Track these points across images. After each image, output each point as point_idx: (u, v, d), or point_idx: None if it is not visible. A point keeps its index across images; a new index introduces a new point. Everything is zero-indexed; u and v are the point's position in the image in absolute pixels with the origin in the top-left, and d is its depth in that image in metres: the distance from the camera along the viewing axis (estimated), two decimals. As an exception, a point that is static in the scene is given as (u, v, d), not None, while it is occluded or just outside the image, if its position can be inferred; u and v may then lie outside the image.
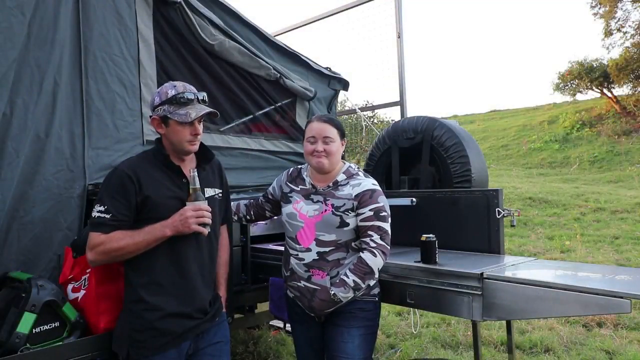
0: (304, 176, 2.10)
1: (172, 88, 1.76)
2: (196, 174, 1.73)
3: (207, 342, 1.84)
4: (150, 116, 1.81)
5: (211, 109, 1.79)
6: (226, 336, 1.94)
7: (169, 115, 1.73)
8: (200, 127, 1.79)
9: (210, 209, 1.75)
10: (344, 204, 1.97)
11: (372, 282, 2.01)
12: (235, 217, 2.32)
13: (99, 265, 1.76)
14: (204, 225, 1.71)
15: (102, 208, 1.67)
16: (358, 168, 2.13)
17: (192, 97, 1.76)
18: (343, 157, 2.16)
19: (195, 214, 1.68)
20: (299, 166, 2.20)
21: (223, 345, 1.90)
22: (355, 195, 1.98)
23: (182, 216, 1.67)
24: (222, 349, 1.89)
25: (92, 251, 1.66)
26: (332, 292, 1.89)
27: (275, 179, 2.24)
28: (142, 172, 1.72)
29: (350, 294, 1.91)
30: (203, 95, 1.81)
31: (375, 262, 1.91)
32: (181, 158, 1.82)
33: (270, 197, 2.22)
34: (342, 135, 2.08)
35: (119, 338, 1.76)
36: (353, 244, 1.99)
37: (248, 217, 2.31)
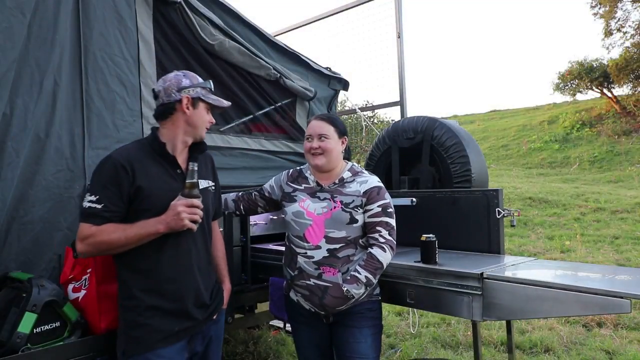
0: (307, 175, 2.11)
1: (194, 77, 1.83)
2: (196, 168, 1.68)
3: (204, 343, 1.85)
4: (181, 92, 1.75)
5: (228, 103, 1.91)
6: (219, 336, 1.95)
7: (203, 98, 1.78)
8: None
9: (203, 206, 1.72)
10: (353, 201, 1.98)
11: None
12: (225, 213, 2.29)
13: (90, 257, 1.73)
14: (194, 222, 1.67)
15: (93, 198, 1.60)
16: (360, 166, 2.14)
17: (209, 86, 1.85)
18: (349, 158, 2.17)
19: (188, 210, 1.63)
20: (299, 167, 2.20)
21: (216, 346, 1.92)
22: (363, 192, 1.99)
23: (174, 211, 1.62)
24: (215, 350, 1.91)
25: (82, 243, 1.61)
26: (345, 289, 1.88)
27: (272, 178, 2.23)
28: (136, 162, 1.68)
29: (363, 290, 1.91)
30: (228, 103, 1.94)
31: (386, 257, 1.94)
32: (184, 143, 1.81)
33: (266, 195, 2.20)
34: (342, 133, 2.08)
35: (119, 335, 1.76)
36: (360, 240, 2.00)
37: (237, 212, 2.28)
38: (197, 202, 1.67)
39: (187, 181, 1.67)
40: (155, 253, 1.69)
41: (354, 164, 2.14)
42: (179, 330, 1.73)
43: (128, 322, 1.71)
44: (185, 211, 1.62)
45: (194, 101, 1.77)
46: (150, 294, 1.69)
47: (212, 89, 1.85)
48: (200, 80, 1.83)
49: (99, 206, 1.60)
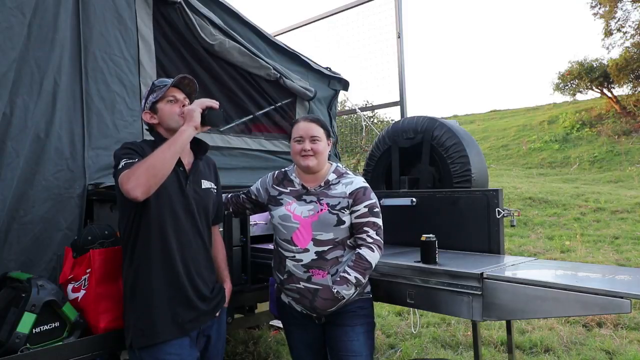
0: (292, 177, 2.10)
1: (151, 83, 1.90)
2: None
3: (208, 341, 1.89)
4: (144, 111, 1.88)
5: (185, 75, 1.87)
6: (222, 336, 1.99)
7: (154, 100, 1.83)
8: (187, 103, 1.87)
9: (203, 205, 1.86)
10: (339, 202, 1.98)
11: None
12: (225, 213, 2.29)
13: (143, 192, 1.59)
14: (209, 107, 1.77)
15: (126, 158, 1.68)
16: (345, 167, 2.14)
17: (168, 82, 1.86)
18: (339, 157, 2.17)
19: (195, 102, 1.76)
20: (284, 169, 2.19)
21: (219, 345, 1.96)
22: (349, 193, 1.99)
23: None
24: (217, 350, 1.96)
25: (127, 181, 1.58)
26: (335, 290, 1.89)
27: (258, 180, 2.22)
28: (147, 150, 1.77)
29: (353, 291, 1.92)
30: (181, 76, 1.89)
31: (374, 257, 1.94)
32: None
33: (253, 197, 2.20)
34: (329, 135, 2.10)
35: (125, 328, 1.78)
36: (348, 241, 2.00)
37: (226, 212, 2.28)
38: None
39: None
40: (156, 246, 1.73)
41: (339, 164, 2.14)
42: (183, 322, 1.76)
43: (135, 314, 1.74)
44: (194, 104, 1.75)
45: (152, 109, 1.85)
46: (154, 285, 1.73)
47: (170, 80, 1.84)
48: (150, 86, 1.89)
49: (134, 160, 1.67)
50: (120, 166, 1.67)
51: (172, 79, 1.86)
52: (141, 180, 1.57)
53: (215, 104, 1.79)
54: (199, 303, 1.81)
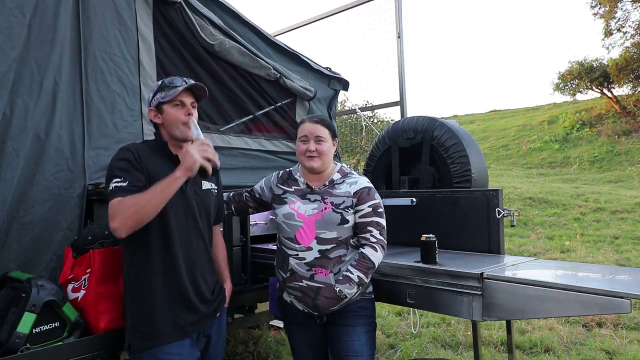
0: (297, 177, 2.11)
1: (162, 80, 1.86)
2: (196, 122, 1.79)
3: (208, 341, 1.90)
4: (149, 107, 1.85)
5: (197, 82, 1.84)
6: (222, 336, 2.00)
7: (161, 100, 1.80)
8: (193, 110, 1.83)
9: (205, 205, 1.86)
10: (344, 201, 1.99)
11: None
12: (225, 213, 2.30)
13: (127, 233, 1.62)
14: (209, 161, 1.69)
15: (118, 179, 1.65)
16: (350, 167, 2.15)
17: (180, 83, 1.82)
18: (339, 157, 2.18)
19: (198, 147, 1.68)
20: (288, 168, 2.20)
21: (219, 345, 1.97)
22: (354, 193, 2.00)
23: (186, 153, 1.66)
24: (218, 349, 1.96)
25: (114, 218, 1.59)
26: (338, 289, 1.89)
27: (262, 180, 2.23)
28: (144, 154, 1.76)
29: (355, 290, 1.92)
30: (193, 82, 1.85)
31: (377, 256, 1.95)
32: (179, 146, 1.82)
33: (257, 196, 2.20)
34: (334, 135, 2.10)
35: (125, 330, 1.78)
36: (352, 241, 2.01)
37: (228, 211, 2.29)
38: (205, 140, 1.73)
39: (193, 138, 1.77)
40: (158, 248, 1.74)
41: (343, 164, 2.16)
42: (184, 325, 1.76)
43: (134, 315, 1.74)
44: (195, 148, 1.67)
45: (158, 109, 1.82)
46: (155, 287, 1.73)
47: (184, 81, 1.81)
48: (160, 82, 1.85)
49: (124, 184, 1.65)
50: (110, 188, 1.65)
51: (182, 81, 1.81)
52: (128, 222, 1.59)
53: (210, 168, 1.70)
54: (200, 306, 1.82)
